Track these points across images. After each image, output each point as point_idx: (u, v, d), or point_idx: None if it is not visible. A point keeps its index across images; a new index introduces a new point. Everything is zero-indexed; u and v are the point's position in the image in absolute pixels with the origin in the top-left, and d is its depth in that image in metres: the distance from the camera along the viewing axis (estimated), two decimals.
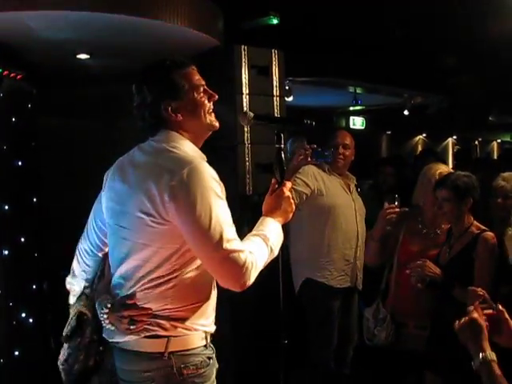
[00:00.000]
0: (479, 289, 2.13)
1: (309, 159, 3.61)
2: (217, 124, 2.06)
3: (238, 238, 1.85)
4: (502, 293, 2.78)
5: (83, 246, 2.25)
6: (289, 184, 2.13)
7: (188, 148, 1.96)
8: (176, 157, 1.90)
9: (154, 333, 1.90)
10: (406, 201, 3.46)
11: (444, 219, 3.19)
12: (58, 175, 4.74)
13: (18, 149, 3.98)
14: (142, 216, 1.87)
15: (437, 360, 3.03)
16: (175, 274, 1.88)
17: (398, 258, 3.35)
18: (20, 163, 3.99)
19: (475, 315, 1.86)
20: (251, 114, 2.18)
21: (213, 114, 2.05)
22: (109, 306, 1.97)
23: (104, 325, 2.01)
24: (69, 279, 2.28)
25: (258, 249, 1.88)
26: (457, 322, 1.89)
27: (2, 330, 3.75)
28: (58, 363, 2.19)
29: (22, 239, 3.95)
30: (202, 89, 2.02)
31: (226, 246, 1.78)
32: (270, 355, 2.99)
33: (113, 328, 1.98)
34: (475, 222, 3.07)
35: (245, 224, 2.01)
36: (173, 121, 1.97)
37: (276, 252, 1.99)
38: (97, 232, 2.17)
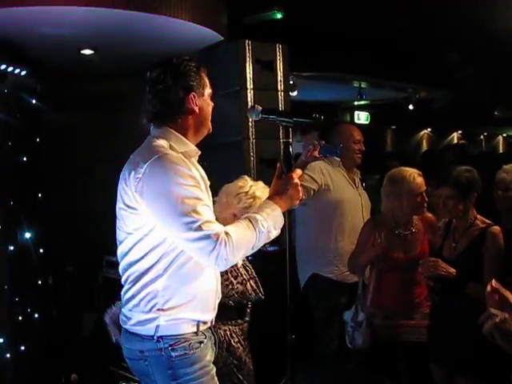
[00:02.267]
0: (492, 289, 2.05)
1: (316, 155, 3.60)
2: (211, 129, 2.22)
3: (214, 221, 1.95)
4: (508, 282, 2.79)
5: None
6: (299, 171, 2.16)
7: (174, 141, 2.08)
8: (147, 150, 2.05)
9: (144, 320, 2.06)
10: None
11: (447, 216, 3.18)
12: (62, 171, 4.75)
13: (22, 145, 3.99)
14: (123, 207, 2.06)
15: (442, 353, 3.04)
16: (162, 264, 2.03)
17: (379, 266, 3.28)
18: (24, 159, 4.00)
19: (503, 316, 1.79)
20: (259, 108, 2.20)
21: None
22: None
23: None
24: None
25: (239, 230, 1.96)
26: (484, 325, 1.83)
27: (8, 325, 3.76)
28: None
29: (27, 235, 3.96)
30: (211, 93, 2.17)
31: (197, 229, 1.89)
32: (274, 350, 3.00)
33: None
34: (479, 216, 3.06)
35: None
36: (188, 113, 2.10)
37: (271, 235, 2.04)
38: None
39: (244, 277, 2.94)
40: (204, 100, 2.13)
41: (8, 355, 3.71)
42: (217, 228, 1.91)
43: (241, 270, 2.97)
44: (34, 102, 4.20)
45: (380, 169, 5.47)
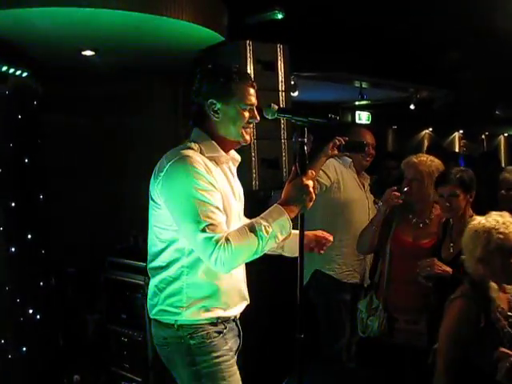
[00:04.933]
0: None
1: (336, 152, 3.64)
2: (248, 139, 2.24)
3: (220, 225, 2.03)
4: None
5: None
6: (311, 173, 2.18)
7: (204, 144, 2.19)
8: (175, 150, 2.16)
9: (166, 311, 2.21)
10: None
11: (449, 214, 3.17)
12: (63, 172, 4.75)
13: (23, 146, 3.99)
14: (150, 201, 2.22)
15: None
16: (184, 260, 2.16)
17: (390, 248, 3.36)
18: (26, 160, 4.00)
19: None
20: (275, 107, 2.24)
21: (248, 131, 2.24)
22: None
23: None
24: None
25: (240, 236, 2.03)
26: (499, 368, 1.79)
27: (9, 326, 3.76)
28: None
29: (29, 236, 3.96)
30: (248, 107, 2.21)
31: (201, 230, 1.99)
32: (277, 349, 3.00)
33: None
34: (474, 215, 3.06)
35: (251, 219, 2.04)
36: (211, 118, 2.20)
37: (277, 239, 2.08)
38: None
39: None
40: (229, 110, 2.18)
41: (10, 356, 3.71)
42: (219, 232, 2.00)
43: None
44: (35, 103, 4.21)
45: (376, 169, 5.46)
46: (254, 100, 2.24)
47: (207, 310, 2.18)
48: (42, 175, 4.26)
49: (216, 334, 2.19)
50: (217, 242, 1.98)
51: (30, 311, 3.92)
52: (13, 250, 3.78)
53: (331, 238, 2.44)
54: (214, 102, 2.17)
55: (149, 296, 2.30)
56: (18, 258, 3.83)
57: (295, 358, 2.23)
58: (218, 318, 2.21)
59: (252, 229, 2.04)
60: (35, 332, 3.96)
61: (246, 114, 2.22)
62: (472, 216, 3.05)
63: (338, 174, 3.80)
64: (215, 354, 2.17)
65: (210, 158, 2.17)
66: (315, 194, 2.16)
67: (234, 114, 2.19)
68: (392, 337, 3.33)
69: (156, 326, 2.28)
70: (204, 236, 1.99)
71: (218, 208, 2.06)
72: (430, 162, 3.34)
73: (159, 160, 2.20)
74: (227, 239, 1.99)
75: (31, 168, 4.04)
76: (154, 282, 2.26)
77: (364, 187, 3.99)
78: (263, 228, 2.04)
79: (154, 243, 2.25)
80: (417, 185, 3.33)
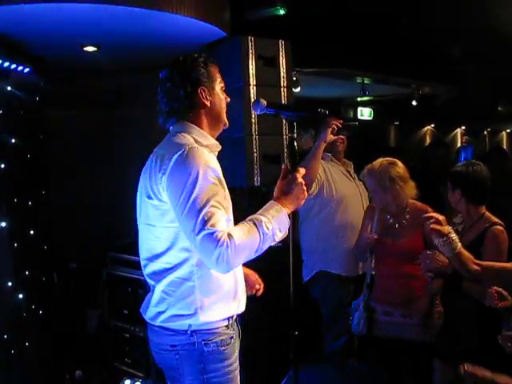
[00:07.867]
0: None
1: (332, 137, 3.64)
2: (227, 121, 2.26)
3: (221, 221, 1.93)
4: None
5: None
6: (302, 170, 2.15)
7: (197, 135, 2.11)
8: (173, 143, 2.07)
9: (179, 315, 2.07)
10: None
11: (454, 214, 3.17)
12: (66, 167, 4.76)
13: (26, 142, 3.99)
14: (146, 199, 2.09)
15: (449, 349, 3.03)
16: (194, 259, 2.04)
17: (373, 248, 3.41)
18: (28, 156, 4.00)
19: None
20: (264, 102, 2.23)
21: (226, 113, 2.24)
22: None
23: None
24: None
25: (243, 233, 1.93)
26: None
27: (12, 321, 3.78)
28: None
29: (31, 232, 3.97)
30: (224, 87, 2.23)
31: (203, 226, 1.89)
32: (277, 348, 3.01)
33: None
34: (487, 213, 3.01)
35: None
36: (201, 107, 2.14)
37: (276, 237, 2.02)
38: None
39: None
40: (215, 94, 2.18)
41: (13, 351, 3.72)
42: (220, 229, 1.89)
43: None
44: (37, 99, 4.21)
45: None
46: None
47: (222, 308, 2.08)
48: (44, 171, 4.27)
49: (229, 340, 2.10)
50: (219, 239, 1.85)
51: (33, 307, 3.93)
52: (15, 245, 3.79)
53: (261, 289, 2.44)
54: (204, 88, 2.14)
55: (152, 303, 2.15)
56: (21, 254, 3.83)
57: (291, 355, 2.25)
58: (232, 316, 2.13)
59: (254, 226, 1.95)
60: (38, 327, 3.97)
61: (224, 96, 2.23)
62: (483, 213, 2.99)
63: (326, 173, 3.78)
64: (228, 362, 2.09)
65: (206, 147, 2.08)
66: (307, 192, 2.18)
67: (219, 97, 2.20)
68: (372, 332, 3.37)
69: (161, 334, 2.12)
70: (204, 232, 1.86)
71: (220, 204, 1.94)
72: (381, 168, 3.36)
73: (155, 155, 2.11)
74: (230, 235, 1.87)
75: (33, 163, 4.05)
76: (159, 286, 2.11)
77: (351, 175, 3.97)
78: (264, 224, 1.95)
79: (153, 245, 2.12)
80: (376, 195, 3.42)
